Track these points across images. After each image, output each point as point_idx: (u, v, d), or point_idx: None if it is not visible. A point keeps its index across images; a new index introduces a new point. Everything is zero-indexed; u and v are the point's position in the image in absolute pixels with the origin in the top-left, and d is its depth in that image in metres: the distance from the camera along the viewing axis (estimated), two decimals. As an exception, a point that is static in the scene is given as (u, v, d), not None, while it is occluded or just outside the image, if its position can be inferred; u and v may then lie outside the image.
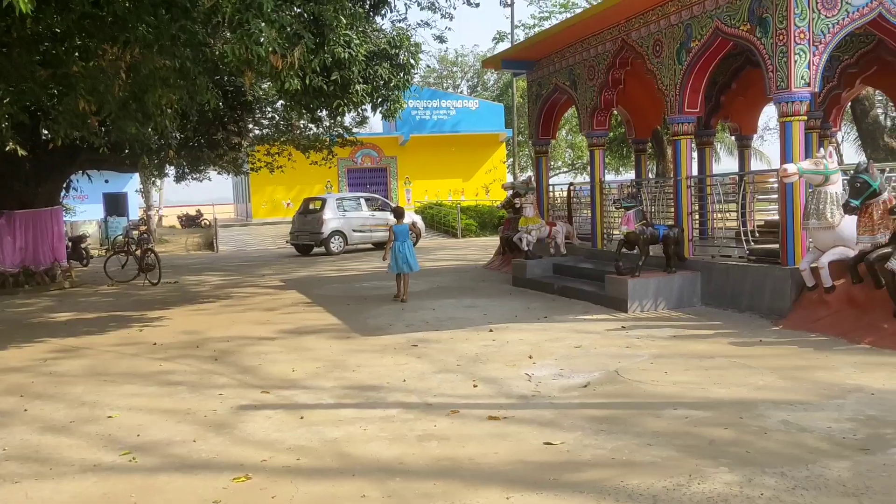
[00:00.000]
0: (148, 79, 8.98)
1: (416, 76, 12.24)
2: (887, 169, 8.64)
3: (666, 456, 4.44)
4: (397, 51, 10.87)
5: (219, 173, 22.91)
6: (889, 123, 25.78)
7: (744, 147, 15.39)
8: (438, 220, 30.08)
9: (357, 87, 10.27)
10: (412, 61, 11.18)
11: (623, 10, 11.02)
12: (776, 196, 9.62)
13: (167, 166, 19.76)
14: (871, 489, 3.82)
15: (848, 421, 4.92)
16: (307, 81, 9.38)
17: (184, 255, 25.73)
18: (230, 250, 26.67)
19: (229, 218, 44.11)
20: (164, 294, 13.93)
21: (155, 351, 8.47)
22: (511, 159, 38.44)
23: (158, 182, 37.53)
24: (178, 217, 43.89)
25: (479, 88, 50.14)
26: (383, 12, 12.19)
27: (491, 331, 8.71)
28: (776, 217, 9.61)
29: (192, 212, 43.59)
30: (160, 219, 39.67)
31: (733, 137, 17.10)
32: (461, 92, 48.50)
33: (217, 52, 9.14)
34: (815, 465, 4.18)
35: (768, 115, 36.47)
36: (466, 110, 37.43)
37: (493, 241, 21.01)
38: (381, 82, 10.70)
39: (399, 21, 14.33)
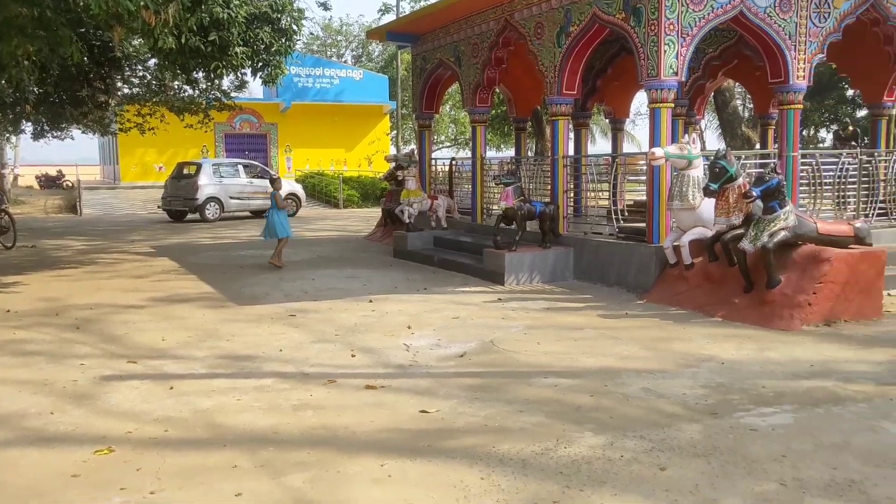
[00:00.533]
0: (2, 27, 8.26)
1: (298, 42, 11.95)
2: (743, 156, 9.30)
3: (536, 422, 4.63)
4: (279, 15, 10.57)
5: (83, 132, 21.52)
6: (746, 114, 27.65)
7: (617, 130, 16.05)
8: (320, 190, 29.60)
9: (236, 49, 9.93)
10: (295, 27, 10.91)
11: (507, -11, 11.18)
12: (645, 178, 10.13)
13: (23, 122, 18.34)
14: (717, 449, 4.16)
15: (700, 388, 5.31)
16: (183, 40, 8.96)
17: (43, 218, 24.03)
18: (95, 214, 25.16)
19: (95, 180, 41.52)
20: (19, 258, 12.99)
21: (8, 318, 7.90)
22: (395, 132, 38.32)
23: (13, 139, 34.85)
24: (37, 177, 40.97)
25: (363, 59, 49.49)
26: (266, -27, 11.76)
27: (371, 301, 8.72)
28: (644, 197, 10.13)
29: (53, 172, 40.72)
30: (15, 178, 36.91)
31: (608, 120, 17.77)
32: (345, 62, 47.69)
33: (81, 4, 8.52)
34: (670, 428, 4.49)
35: (640, 100, 38.30)
36: (350, 80, 36.90)
37: (375, 213, 20.94)
38: (262, 46, 10.39)
39: (282, -17, 13.86)
